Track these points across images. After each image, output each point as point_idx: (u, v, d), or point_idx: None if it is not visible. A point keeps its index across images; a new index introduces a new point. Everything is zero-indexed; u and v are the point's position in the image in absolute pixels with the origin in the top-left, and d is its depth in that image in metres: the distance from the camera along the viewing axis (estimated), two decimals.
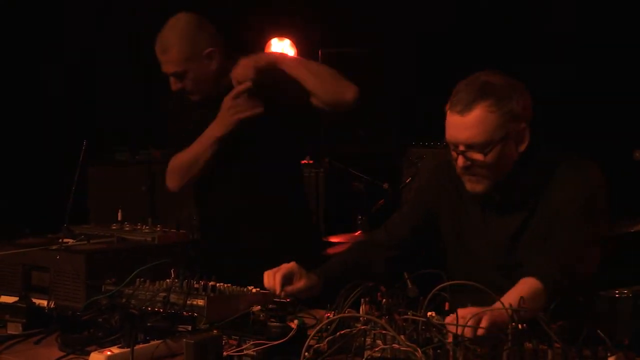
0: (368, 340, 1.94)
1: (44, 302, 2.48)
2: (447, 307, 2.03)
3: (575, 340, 1.77)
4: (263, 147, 3.24)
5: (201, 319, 2.23)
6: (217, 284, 2.41)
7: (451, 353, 1.80)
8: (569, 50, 5.41)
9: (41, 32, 5.90)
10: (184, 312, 2.21)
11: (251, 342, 2.01)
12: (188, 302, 2.28)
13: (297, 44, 6.49)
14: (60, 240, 2.62)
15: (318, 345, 1.94)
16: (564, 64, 5.39)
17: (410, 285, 2.16)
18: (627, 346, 1.77)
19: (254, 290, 2.45)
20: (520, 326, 1.85)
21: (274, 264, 2.53)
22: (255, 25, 6.43)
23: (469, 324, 1.93)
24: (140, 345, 2.05)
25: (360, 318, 1.98)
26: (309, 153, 5.63)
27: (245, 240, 3.24)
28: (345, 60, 6.24)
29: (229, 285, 2.45)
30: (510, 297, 2.06)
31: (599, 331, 1.78)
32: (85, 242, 2.68)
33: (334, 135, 6.19)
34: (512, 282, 2.24)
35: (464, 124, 2.34)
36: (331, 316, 2.03)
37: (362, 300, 2.06)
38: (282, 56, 3.06)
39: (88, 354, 2.05)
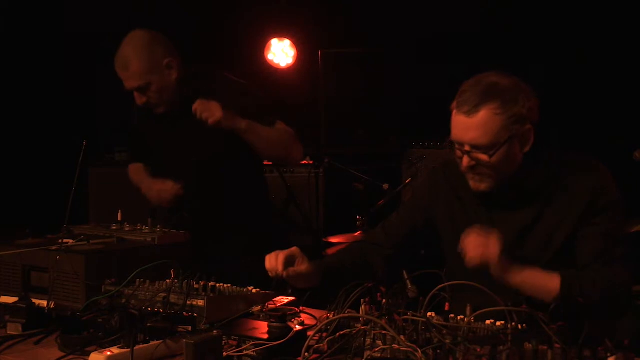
0: (368, 341, 1.94)
1: (44, 303, 2.48)
2: (447, 307, 2.04)
3: (575, 341, 1.77)
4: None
5: (201, 319, 2.23)
6: (217, 284, 2.41)
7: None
8: (569, 51, 5.40)
9: (41, 32, 5.91)
10: (184, 313, 2.21)
11: (251, 343, 2.01)
12: (188, 302, 2.28)
13: (297, 44, 6.49)
14: (60, 240, 2.62)
15: (318, 345, 1.94)
16: (564, 64, 5.38)
17: (409, 286, 2.16)
18: (626, 346, 1.77)
19: (254, 291, 2.45)
20: (520, 326, 1.85)
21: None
22: (255, 26, 6.43)
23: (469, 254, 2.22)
24: (140, 346, 2.05)
25: (360, 318, 1.98)
26: (309, 153, 5.63)
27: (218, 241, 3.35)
28: (345, 60, 6.25)
29: (229, 285, 2.45)
30: (530, 273, 2.31)
31: (598, 332, 1.78)
32: (85, 242, 2.68)
33: (334, 135, 6.20)
34: None
35: (470, 125, 2.35)
36: (331, 316, 2.03)
37: (362, 300, 2.06)
38: (235, 121, 3.19)
39: (88, 354, 2.04)
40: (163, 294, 2.31)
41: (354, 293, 2.07)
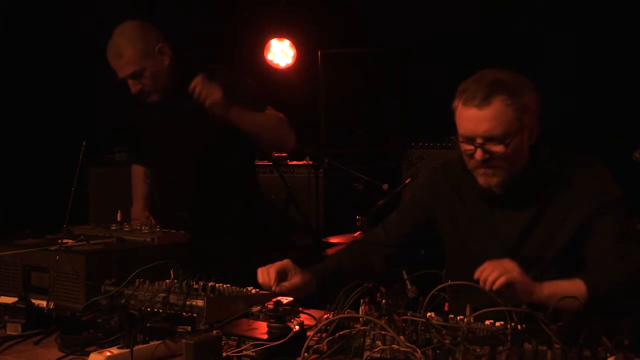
0: (367, 341, 1.94)
1: (44, 303, 2.48)
2: (446, 307, 2.04)
3: (574, 341, 1.77)
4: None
5: (200, 319, 2.23)
6: (217, 285, 2.41)
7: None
8: (569, 51, 5.40)
9: (41, 32, 5.90)
10: (184, 313, 2.21)
11: (250, 343, 2.01)
12: (187, 302, 2.28)
13: (296, 44, 6.49)
14: (60, 240, 2.62)
15: (318, 345, 1.94)
16: (564, 64, 5.38)
17: (409, 286, 2.16)
18: (626, 346, 1.77)
19: (253, 291, 2.45)
20: (519, 327, 1.85)
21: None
22: (254, 26, 6.42)
23: (493, 274, 2.13)
24: (140, 346, 2.05)
25: (360, 319, 1.98)
26: (309, 153, 5.63)
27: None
28: (345, 60, 6.24)
29: (229, 285, 2.45)
30: (553, 285, 2.26)
31: (598, 332, 1.78)
32: (85, 242, 2.68)
33: (334, 135, 6.19)
34: None
35: (483, 117, 2.36)
36: (331, 317, 2.03)
37: (362, 300, 2.06)
38: (229, 108, 3.24)
39: (88, 354, 2.04)
40: (163, 294, 2.31)
41: (354, 293, 2.07)
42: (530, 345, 1.77)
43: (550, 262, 2.41)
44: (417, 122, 5.86)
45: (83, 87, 6.13)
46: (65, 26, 5.96)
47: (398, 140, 6.01)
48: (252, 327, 2.11)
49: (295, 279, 2.48)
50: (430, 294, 1.99)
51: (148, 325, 2.10)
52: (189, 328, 2.15)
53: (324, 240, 4.84)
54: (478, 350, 1.82)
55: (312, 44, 6.31)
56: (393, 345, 1.85)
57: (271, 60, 6.50)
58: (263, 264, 2.48)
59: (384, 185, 4.86)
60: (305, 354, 1.85)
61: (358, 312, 2.03)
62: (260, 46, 6.48)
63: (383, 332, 1.90)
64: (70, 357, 2.11)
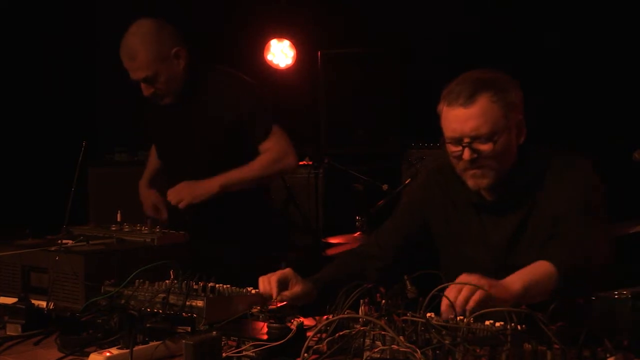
0: (367, 341, 1.94)
1: (43, 303, 2.48)
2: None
3: (574, 342, 1.76)
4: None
5: (200, 319, 2.23)
6: (217, 285, 2.41)
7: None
8: (569, 51, 5.40)
9: (41, 32, 5.91)
10: (183, 313, 2.21)
11: (250, 343, 2.01)
12: (187, 303, 2.28)
13: (296, 44, 6.48)
14: (60, 241, 2.62)
15: (317, 346, 1.94)
16: (564, 64, 5.38)
17: (409, 286, 2.16)
18: (626, 347, 1.77)
19: (253, 292, 2.45)
20: (519, 327, 1.85)
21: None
22: (254, 26, 6.42)
23: (462, 294, 2.04)
24: (140, 347, 2.05)
25: (360, 319, 1.98)
26: (309, 153, 5.64)
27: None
28: (345, 60, 6.24)
29: (228, 286, 2.45)
30: (521, 275, 2.18)
31: (598, 332, 1.78)
32: (85, 243, 2.68)
33: (334, 135, 6.19)
34: None
35: (469, 115, 2.36)
36: (330, 317, 2.03)
37: (362, 301, 2.05)
38: (209, 189, 3.27)
39: (87, 355, 2.04)
40: (162, 295, 2.31)
41: (354, 294, 2.07)
42: (530, 346, 1.77)
43: None
44: (417, 122, 5.84)
45: (83, 87, 6.13)
46: (65, 26, 5.96)
47: (398, 141, 6.01)
48: (252, 327, 2.11)
49: (296, 288, 2.47)
50: (430, 294, 1.99)
51: (148, 325, 2.10)
52: (189, 328, 2.15)
53: (323, 240, 4.84)
54: (478, 350, 1.82)
55: (312, 44, 6.31)
56: (393, 346, 1.85)
57: (271, 61, 6.50)
58: (263, 264, 2.48)
59: (383, 186, 4.86)
60: (305, 355, 1.85)
61: (358, 313, 2.03)
62: (260, 46, 6.48)
63: (383, 333, 1.90)
64: (70, 357, 2.11)
